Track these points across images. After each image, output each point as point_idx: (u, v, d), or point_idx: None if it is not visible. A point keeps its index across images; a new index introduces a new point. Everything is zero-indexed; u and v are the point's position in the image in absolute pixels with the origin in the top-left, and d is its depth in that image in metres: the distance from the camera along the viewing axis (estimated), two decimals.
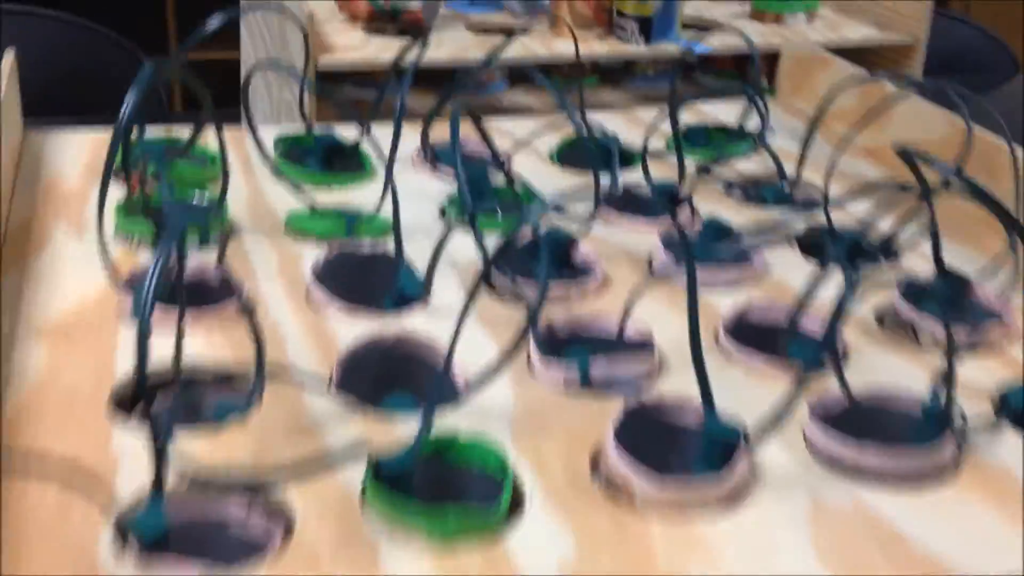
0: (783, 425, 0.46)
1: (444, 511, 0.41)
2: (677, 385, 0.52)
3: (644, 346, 0.54)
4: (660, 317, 0.57)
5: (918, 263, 0.66)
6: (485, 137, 0.67)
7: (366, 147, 0.76)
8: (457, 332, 0.47)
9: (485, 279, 0.60)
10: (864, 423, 0.50)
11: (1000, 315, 0.58)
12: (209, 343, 0.53)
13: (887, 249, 0.68)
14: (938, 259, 0.59)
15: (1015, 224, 0.52)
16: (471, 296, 0.46)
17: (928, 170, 0.54)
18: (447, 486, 0.44)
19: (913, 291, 0.60)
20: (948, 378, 0.47)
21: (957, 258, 0.66)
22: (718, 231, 0.64)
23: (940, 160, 0.51)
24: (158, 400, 0.48)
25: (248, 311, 0.48)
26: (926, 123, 0.80)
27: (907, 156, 0.53)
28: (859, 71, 0.86)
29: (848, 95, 0.85)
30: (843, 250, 0.66)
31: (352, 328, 0.55)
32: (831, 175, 0.70)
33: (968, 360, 0.55)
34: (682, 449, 0.47)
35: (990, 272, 0.62)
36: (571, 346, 0.54)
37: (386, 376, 0.51)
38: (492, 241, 0.61)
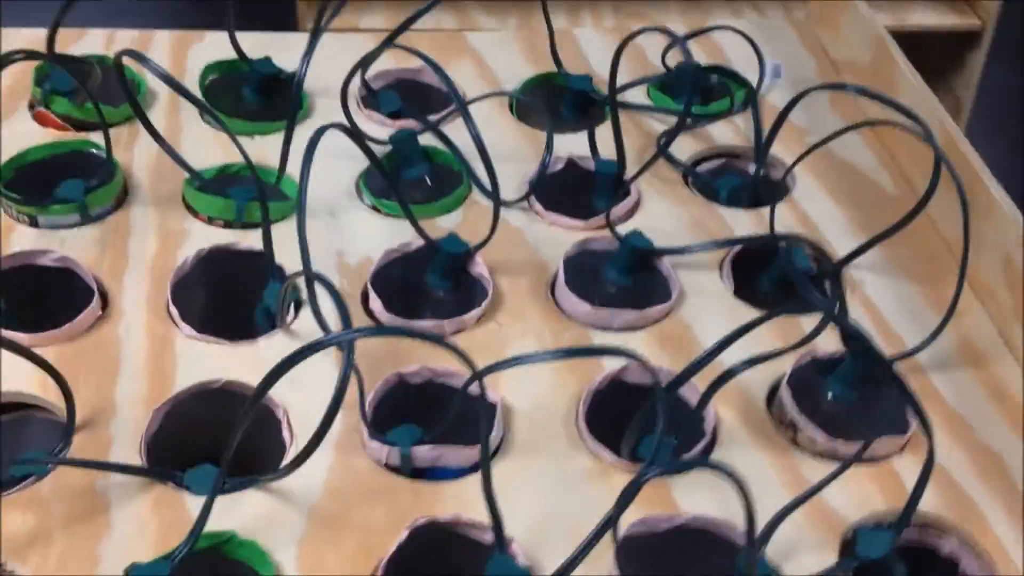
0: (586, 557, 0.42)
1: None
2: (513, 471, 0.49)
3: (488, 420, 0.51)
4: (530, 373, 0.53)
5: (863, 309, 0.60)
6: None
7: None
8: (249, 408, 0.43)
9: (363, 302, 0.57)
10: (678, 563, 0.46)
11: (905, 418, 0.53)
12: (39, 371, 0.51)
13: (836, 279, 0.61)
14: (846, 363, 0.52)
15: (885, 366, 0.46)
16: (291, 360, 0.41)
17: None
18: None
19: (820, 368, 0.54)
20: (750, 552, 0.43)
21: (910, 299, 0.60)
22: (633, 253, 0.59)
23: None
24: None
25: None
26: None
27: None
28: (875, 23, 0.75)
29: (862, 50, 0.75)
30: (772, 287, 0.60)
31: (200, 358, 0.53)
32: (785, 186, 0.63)
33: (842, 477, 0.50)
34: None
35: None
36: (408, 414, 0.51)
37: (201, 438, 0.50)
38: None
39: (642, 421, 0.49)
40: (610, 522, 0.40)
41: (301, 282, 0.53)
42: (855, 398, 0.53)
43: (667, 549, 0.47)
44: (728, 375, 0.50)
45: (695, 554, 0.47)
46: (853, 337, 0.45)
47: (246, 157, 0.55)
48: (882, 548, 0.46)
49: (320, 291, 0.56)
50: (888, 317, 0.59)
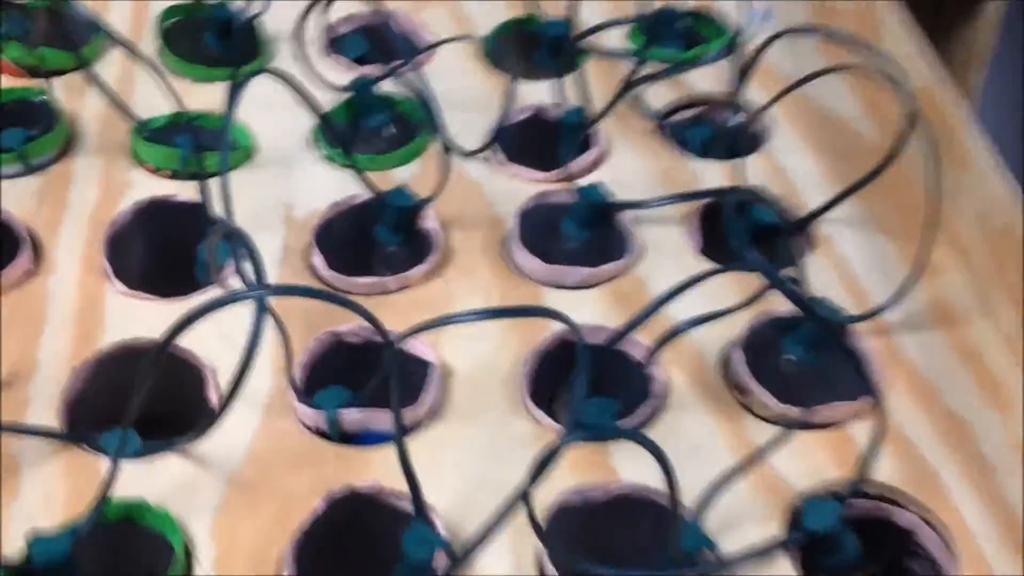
0: (498, 532, 0.40)
1: None
2: (446, 436, 0.47)
3: (422, 382, 0.49)
4: (474, 332, 0.51)
5: (832, 266, 0.57)
6: None
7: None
8: (149, 366, 0.41)
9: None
10: (613, 533, 0.44)
11: (862, 382, 0.50)
12: None
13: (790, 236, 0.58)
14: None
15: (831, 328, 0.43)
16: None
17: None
18: None
19: (778, 329, 0.52)
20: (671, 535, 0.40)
21: (884, 256, 0.56)
22: (590, 208, 0.56)
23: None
24: None
25: None
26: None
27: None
28: None
29: None
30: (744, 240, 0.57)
31: (131, 315, 0.51)
32: (762, 136, 0.60)
33: (793, 442, 0.48)
34: (378, 563, 0.42)
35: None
36: (345, 375, 0.49)
37: (124, 400, 0.48)
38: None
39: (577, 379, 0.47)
40: (522, 495, 0.38)
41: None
42: (815, 361, 0.50)
43: (602, 519, 0.45)
44: (672, 334, 0.48)
45: (632, 524, 0.45)
46: (795, 300, 0.42)
47: (180, 103, 0.53)
48: (828, 520, 0.43)
49: (266, 247, 0.54)
50: (859, 274, 0.56)
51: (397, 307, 0.53)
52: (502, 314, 0.45)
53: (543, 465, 0.38)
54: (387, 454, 0.46)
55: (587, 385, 0.42)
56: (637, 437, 0.37)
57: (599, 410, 0.47)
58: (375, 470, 0.46)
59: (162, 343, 0.39)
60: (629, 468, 0.46)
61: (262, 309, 0.41)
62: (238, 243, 0.46)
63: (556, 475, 0.41)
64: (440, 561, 0.41)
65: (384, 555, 0.42)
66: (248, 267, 0.44)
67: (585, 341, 0.42)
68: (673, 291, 0.47)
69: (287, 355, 0.47)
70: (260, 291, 0.40)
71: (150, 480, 0.45)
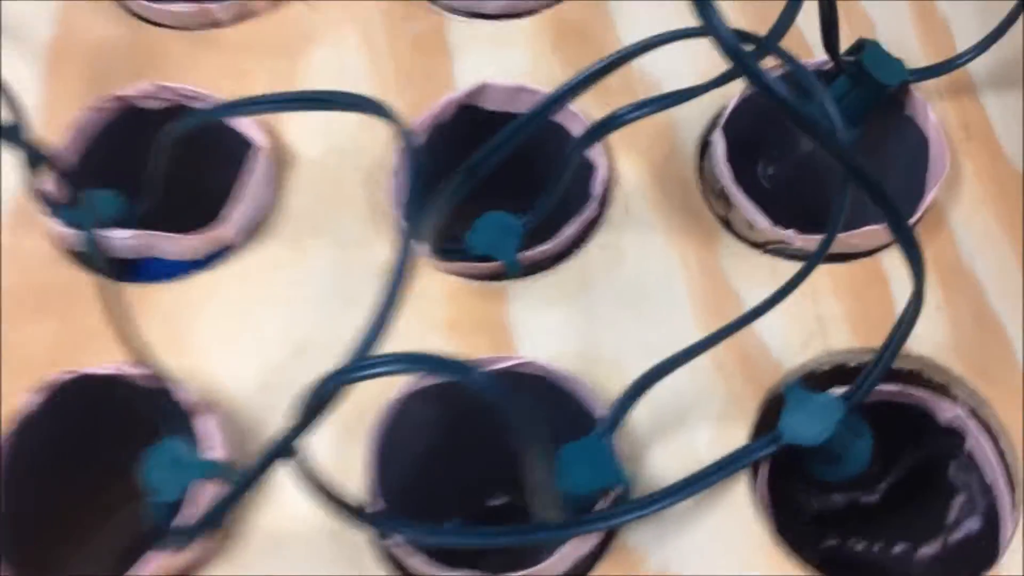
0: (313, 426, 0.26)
1: None
2: (272, 265, 0.32)
3: (236, 175, 0.33)
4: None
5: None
6: None
7: None
8: None
9: None
10: (478, 440, 0.30)
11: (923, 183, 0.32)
12: None
13: None
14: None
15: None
16: None
17: None
18: None
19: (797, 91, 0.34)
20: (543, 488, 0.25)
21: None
22: None
23: None
24: None
25: None
26: None
27: None
28: None
29: None
30: None
31: None
32: None
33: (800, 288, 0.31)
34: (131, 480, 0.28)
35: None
36: (131, 166, 0.33)
37: None
38: None
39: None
40: (280, 450, 0.23)
41: None
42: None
43: (474, 409, 0.30)
44: (612, 122, 0.30)
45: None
46: (773, 96, 0.24)
47: None
48: (821, 424, 0.28)
49: None
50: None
51: (226, 48, 0.36)
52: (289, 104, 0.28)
53: (311, 414, 0.22)
54: (180, 294, 0.32)
55: (418, 186, 0.25)
56: (470, 376, 0.21)
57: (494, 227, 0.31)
58: (153, 319, 0.31)
59: None
60: (531, 333, 0.31)
61: None
62: None
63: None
64: (212, 489, 0.27)
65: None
66: None
67: (414, 141, 0.25)
68: (640, 46, 0.29)
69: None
70: None
71: None
